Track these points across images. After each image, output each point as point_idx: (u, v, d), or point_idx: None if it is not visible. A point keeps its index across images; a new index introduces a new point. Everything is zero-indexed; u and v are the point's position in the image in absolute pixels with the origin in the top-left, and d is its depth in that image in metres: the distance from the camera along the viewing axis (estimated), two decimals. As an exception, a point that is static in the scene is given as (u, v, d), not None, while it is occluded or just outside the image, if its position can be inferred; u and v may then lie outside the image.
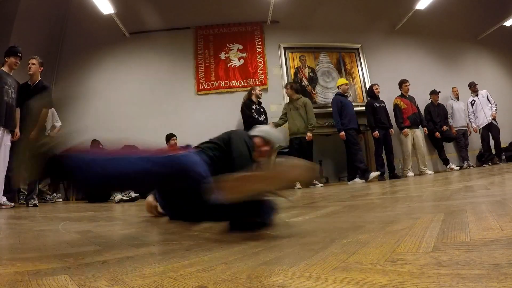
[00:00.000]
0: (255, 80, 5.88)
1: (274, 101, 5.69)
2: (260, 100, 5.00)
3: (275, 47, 6.08)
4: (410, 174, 5.15)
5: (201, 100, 5.78)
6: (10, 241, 1.11)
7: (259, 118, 4.80)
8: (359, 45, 6.25)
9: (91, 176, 0.85)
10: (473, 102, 6.03)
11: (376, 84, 5.38)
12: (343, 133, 4.77)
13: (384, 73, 6.01)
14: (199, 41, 6.04)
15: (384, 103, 5.31)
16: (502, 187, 1.68)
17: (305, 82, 5.94)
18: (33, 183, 3.53)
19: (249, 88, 5.23)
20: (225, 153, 1.30)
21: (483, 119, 5.83)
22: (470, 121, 6.05)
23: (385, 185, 3.48)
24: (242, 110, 4.84)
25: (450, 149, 6.07)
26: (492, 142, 5.81)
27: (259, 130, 1.48)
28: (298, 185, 4.61)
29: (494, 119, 5.74)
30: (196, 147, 1.39)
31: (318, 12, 6.18)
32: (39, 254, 0.80)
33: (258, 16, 6.08)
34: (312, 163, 0.96)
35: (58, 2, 5.74)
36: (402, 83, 5.48)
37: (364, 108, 5.70)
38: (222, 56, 5.98)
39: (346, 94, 5.12)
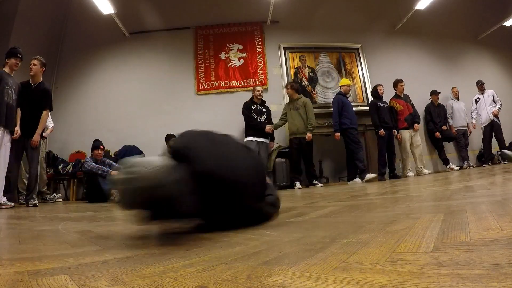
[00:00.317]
0: (255, 80, 5.88)
1: (274, 101, 5.69)
2: (263, 100, 4.98)
3: (275, 47, 6.08)
4: (410, 174, 5.15)
5: (201, 100, 5.78)
6: (10, 241, 1.11)
7: (259, 118, 4.79)
8: (359, 45, 6.25)
9: None
10: (477, 99, 6.03)
11: (381, 85, 5.35)
12: (338, 134, 4.77)
13: (384, 73, 6.01)
14: (199, 41, 6.04)
15: (387, 103, 5.31)
16: (502, 187, 1.68)
17: (305, 82, 5.94)
18: (33, 183, 3.53)
19: (251, 88, 5.26)
20: None
21: (486, 118, 5.83)
22: (472, 117, 6.04)
23: (385, 185, 3.48)
24: (243, 111, 4.85)
25: (450, 149, 6.07)
26: (494, 142, 5.81)
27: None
28: (298, 185, 4.62)
29: (496, 116, 5.73)
30: None
31: (318, 12, 6.18)
32: (39, 254, 0.80)
33: (258, 16, 6.08)
34: None
35: (58, 2, 5.74)
36: (398, 83, 5.44)
37: (363, 108, 5.70)
38: (222, 56, 5.98)
39: (347, 94, 5.12)
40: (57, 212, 2.65)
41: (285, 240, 0.81)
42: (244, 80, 5.89)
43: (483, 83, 5.97)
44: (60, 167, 4.97)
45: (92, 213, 2.29)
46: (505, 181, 2.03)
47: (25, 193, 3.72)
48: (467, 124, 6.11)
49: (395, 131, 5.22)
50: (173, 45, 5.97)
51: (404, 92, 5.50)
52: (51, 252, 0.83)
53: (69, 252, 0.82)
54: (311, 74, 6.04)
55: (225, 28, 6.14)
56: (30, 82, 3.63)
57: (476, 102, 6.04)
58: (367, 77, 6.11)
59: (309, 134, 4.65)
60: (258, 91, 4.91)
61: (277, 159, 5.11)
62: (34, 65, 3.59)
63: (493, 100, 5.85)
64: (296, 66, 6.02)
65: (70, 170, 4.96)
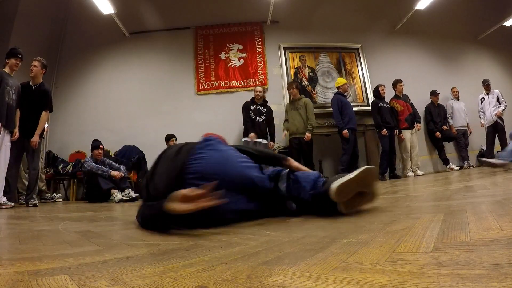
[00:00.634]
0: (255, 80, 5.88)
1: (274, 101, 5.69)
2: (265, 100, 4.97)
3: (275, 47, 6.08)
4: (410, 174, 5.15)
5: (201, 100, 5.78)
6: (10, 241, 1.11)
7: (257, 119, 4.78)
8: (359, 45, 6.25)
9: None
10: (482, 99, 6.02)
11: (383, 85, 5.35)
12: (346, 131, 4.76)
13: (384, 73, 6.01)
14: (199, 41, 6.04)
15: (388, 103, 5.31)
16: (502, 187, 1.68)
17: (305, 82, 5.94)
18: (33, 183, 3.53)
19: (251, 89, 5.26)
20: None
21: (489, 118, 5.83)
22: (480, 117, 6.04)
23: (385, 185, 3.48)
24: (242, 111, 4.85)
25: (450, 149, 6.07)
26: (497, 142, 5.80)
27: None
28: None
29: (499, 117, 5.72)
30: None
31: (318, 12, 6.18)
32: (39, 254, 0.80)
33: (258, 16, 6.08)
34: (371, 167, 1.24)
35: (58, 2, 5.74)
36: (397, 83, 5.44)
37: (364, 108, 5.70)
38: (222, 56, 5.99)
39: (346, 94, 5.12)
40: (57, 212, 2.64)
41: (285, 240, 0.81)
42: (244, 80, 5.89)
43: (488, 83, 5.90)
44: (60, 167, 4.97)
45: (92, 213, 2.29)
46: (505, 181, 2.03)
47: (25, 193, 3.72)
48: (467, 124, 6.10)
49: (396, 131, 5.22)
50: (173, 45, 5.97)
51: (404, 92, 5.51)
52: (51, 252, 0.83)
53: (69, 252, 0.82)
54: (311, 74, 6.04)
55: (225, 28, 6.14)
56: (30, 83, 3.63)
57: (481, 101, 6.03)
58: (367, 77, 6.11)
59: (308, 134, 4.65)
60: (257, 91, 4.89)
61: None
62: (35, 66, 3.59)
63: (498, 101, 5.82)
64: (296, 66, 6.02)
65: (70, 170, 4.95)
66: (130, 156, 5.12)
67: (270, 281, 0.48)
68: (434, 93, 5.92)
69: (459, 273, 0.42)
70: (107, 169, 4.15)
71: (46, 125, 4.52)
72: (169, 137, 4.97)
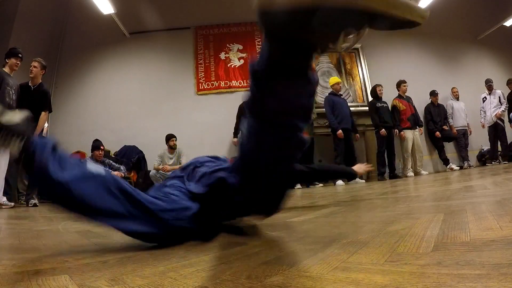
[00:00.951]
0: (255, 80, 5.88)
1: (274, 101, 5.68)
2: None
3: (275, 47, 6.08)
4: (410, 174, 5.16)
5: (201, 100, 5.78)
6: (10, 241, 1.11)
7: None
8: (359, 45, 6.24)
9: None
10: (484, 99, 6.02)
11: (380, 85, 5.37)
12: (340, 131, 4.75)
13: (384, 73, 6.01)
14: (199, 41, 6.04)
15: (386, 103, 5.32)
16: (502, 187, 1.68)
17: (305, 82, 5.94)
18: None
19: None
20: None
21: (489, 119, 5.83)
22: (481, 116, 6.05)
23: (385, 185, 3.48)
24: (238, 112, 4.87)
25: (450, 149, 6.07)
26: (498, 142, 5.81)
27: None
28: (298, 185, 4.60)
29: (499, 118, 5.72)
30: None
31: (318, 12, 6.17)
32: (39, 254, 0.80)
33: (258, 16, 6.07)
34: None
35: (58, 2, 5.74)
36: (401, 84, 5.48)
37: (363, 108, 5.70)
38: (222, 56, 5.99)
39: (339, 93, 5.11)
40: (57, 212, 2.64)
41: (285, 240, 0.81)
42: (244, 80, 5.89)
43: (491, 83, 5.91)
44: (60, 167, 4.96)
45: (92, 213, 2.28)
46: (505, 181, 2.03)
47: (25, 193, 3.72)
48: (467, 124, 6.11)
49: (396, 130, 5.22)
50: (173, 45, 5.97)
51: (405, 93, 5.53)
52: (51, 252, 0.83)
53: (69, 252, 0.82)
54: (311, 74, 6.04)
55: (225, 28, 6.14)
56: (30, 84, 3.63)
57: (483, 101, 6.04)
58: (367, 77, 6.11)
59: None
60: None
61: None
62: (35, 67, 3.60)
63: (500, 102, 5.82)
64: (296, 66, 6.02)
65: (70, 170, 4.95)
66: (130, 156, 5.12)
67: (270, 281, 0.47)
68: (433, 94, 5.93)
69: (459, 273, 0.42)
70: (107, 169, 4.15)
71: (46, 124, 4.54)
72: (169, 137, 4.97)
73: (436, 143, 5.84)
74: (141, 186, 4.63)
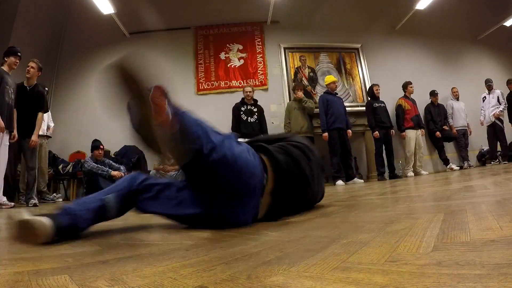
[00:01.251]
0: (255, 81, 5.88)
1: (274, 101, 5.69)
2: (255, 99, 4.95)
3: (275, 47, 6.08)
4: (410, 174, 5.16)
5: (201, 100, 5.78)
6: (10, 241, 1.11)
7: (249, 119, 4.77)
8: (359, 45, 6.25)
9: None
10: (484, 98, 6.04)
11: (377, 85, 5.39)
12: (326, 134, 4.75)
13: (384, 73, 6.01)
14: (199, 41, 6.04)
15: (384, 103, 5.31)
16: (502, 187, 1.68)
17: (305, 82, 5.94)
18: (31, 183, 3.53)
19: None
20: None
21: (488, 118, 5.84)
22: (481, 115, 6.06)
23: (385, 185, 3.48)
24: (232, 113, 4.85)
25: (450, 149, 6.07)
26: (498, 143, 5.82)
27: None
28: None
29: (497, 118, 5.73)
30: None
31: (318, 12, 6.18)
32: (39, 254, 0.80)
33: (258, 16, 6.08)
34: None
35: (58, 2, 5.74)
36: (407, 85, 5.56)
37: (363, 108, 5.71)
38: (222, 56, 5.99)
39: (334, 92, 5.12)
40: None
41: (285, 240, 0.81)
42: (244, 80, 5.89)
43: (490, 83, 5.94)
44: (60, 167, 4.97)
45: (92, 213, 2.28)
46: (505, 181, 2.03)
47: (25, 193, 3.72)
48: (467, 124, 6.11)
49: (393, 131, 5.24)
50: (173, 45, 5.97)
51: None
52: (51, 252, 0.83)
53: (69, 252, 0.82)
54: (311, 74, 6.04)
55: (225, 28, 6.14)
56: (25, 84, 3.64)
57: (483, 100, 6.06)
58: (367, 77, 6.11)
59: None
60: (247, 91, 4.88)
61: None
62: (32, 67, 3.61)
63: (498, 102, 5.83)
64: (296, 66, 6.02)
65: (70, 170, 4.96)
66: (130, 156, 5.12)
67: (270, 281, 0.47)
68: (433, 94, 5.94)
69: (459, 273, 0.42)
70: (107, 169, 4.15)
71: (52, 124, 4.57)
72: (169, 137, 4.96)
73: (436, 143, 5.84)
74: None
